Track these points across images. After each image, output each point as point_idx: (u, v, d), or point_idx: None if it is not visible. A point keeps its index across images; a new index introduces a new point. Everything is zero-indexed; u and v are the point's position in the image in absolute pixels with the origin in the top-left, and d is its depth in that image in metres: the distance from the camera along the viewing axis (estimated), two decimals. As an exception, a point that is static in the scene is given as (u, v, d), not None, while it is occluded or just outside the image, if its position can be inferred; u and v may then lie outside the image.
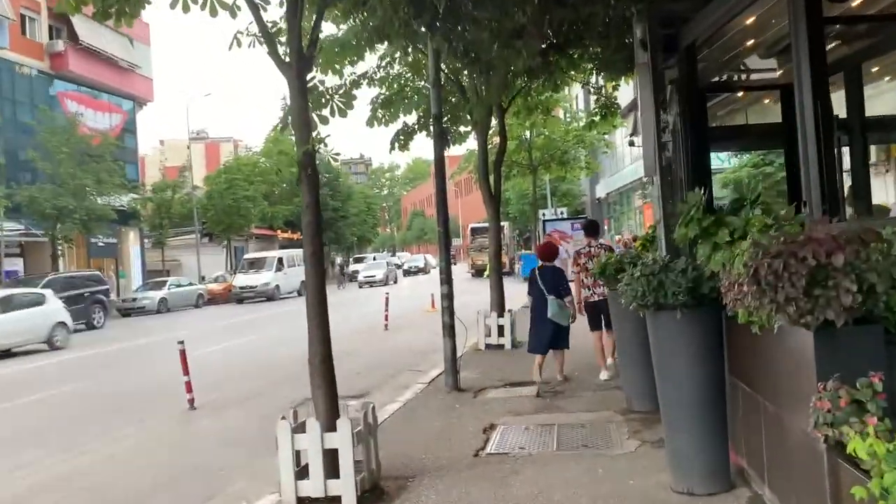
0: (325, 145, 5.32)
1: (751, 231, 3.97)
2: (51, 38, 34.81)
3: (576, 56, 10.07)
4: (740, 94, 9.37)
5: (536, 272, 8.54)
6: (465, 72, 11.24)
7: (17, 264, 31.02)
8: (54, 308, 18.94)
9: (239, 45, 5.36)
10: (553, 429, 6.63)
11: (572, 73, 13.02)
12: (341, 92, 5.58)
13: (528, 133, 20.69)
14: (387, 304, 17.51)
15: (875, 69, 7.59)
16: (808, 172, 4.80)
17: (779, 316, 3.10)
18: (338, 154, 5.55)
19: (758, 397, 4.10)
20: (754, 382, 4.18)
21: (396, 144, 13.59)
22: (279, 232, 50.38)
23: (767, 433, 4.01)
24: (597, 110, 13.62)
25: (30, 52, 33.37)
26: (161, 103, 56.03)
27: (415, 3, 5.91)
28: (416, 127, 13.23)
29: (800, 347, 3.26)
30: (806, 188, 4.91)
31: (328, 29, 11.76)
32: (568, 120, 21.77)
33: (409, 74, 12.77)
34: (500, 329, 11.94)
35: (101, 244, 36.15)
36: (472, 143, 17.17)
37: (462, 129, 14.07)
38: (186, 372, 9.39)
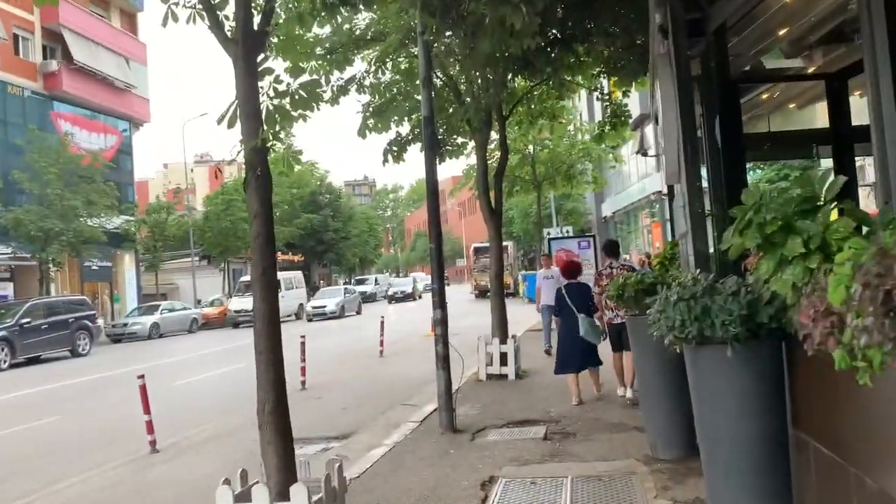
0: (282, 141, 4.29)
1: (832, 239, 2.93)
2: (45, 57, 34.10)
3: (581, 52, 9.08)
4: (765, 95, 8.36)
5: (563, 291, 8.54)
6: (459, 68, 10.23)
7: (6, 289, 30.12)
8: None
9: (175, 19, 4.35)
10: (565, 483, 5.53)
11: (579, 78, 12.07)
12: (304, 82, 4.53)
13: (531, 147, 19.70)
14: (382, 329, 16.40)
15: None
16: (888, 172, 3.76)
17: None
18: (299, 153, 4.51)
19: (847, 467, 3.01)
20: (840, 444, 3.10)
21: (389, 156, 12.59)
22: (279, 254, 49.34)
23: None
24: (606, 120, 12.59)
25: (23, 73, 32.63)
26: (165, 127, 55.40)
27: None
28: (410, 137, 12.24)
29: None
30: (883, 190, 3.88)
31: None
32: (573, 132, 20.76)
33: (400, 80, 11.78)
34: (503, 357, 10.83)
35: (94, 268, 35.23)
36: (472, 160, 16.21)
37: (460, 140, 13.09)
38: (147, 410, 8.31)
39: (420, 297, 47.59)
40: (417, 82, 8.85)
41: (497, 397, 9.40)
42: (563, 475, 5.72)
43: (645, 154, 15.23)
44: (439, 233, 7.78)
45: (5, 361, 20.77)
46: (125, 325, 30.11)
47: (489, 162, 15.73)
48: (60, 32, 33.97)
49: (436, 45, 8.98)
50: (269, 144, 4.35)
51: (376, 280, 52.17)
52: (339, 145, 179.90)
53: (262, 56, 4.38)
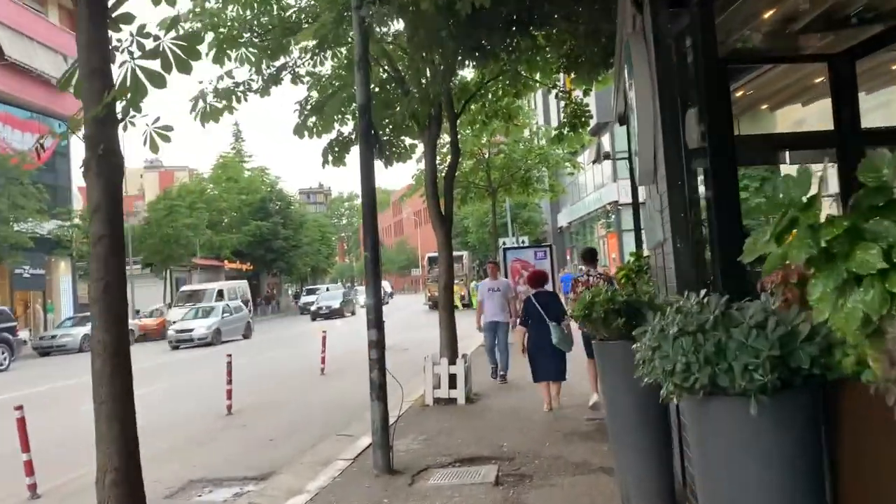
0: (140, 111, 3.14)
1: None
2: (-28, 52, 32.07)
3: (540, 39, 8.09)
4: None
5: (533, 299, 8.49)
6: (402, 53, 9.13)
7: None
8: None
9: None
10: (519, 551, 4.46)
11: (537, 75, 11.12)
12: (181, 35, 3.40)
13: (485, 152, 18.69)
14: (324, 344, 15.13)
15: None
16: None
17: None
18: (168, 129, 3.36)
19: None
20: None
21: (330, 157, 11.44)
22: (226, 262, 47.52)
23: None
24: (565, 121, 11.64)
25: (-53, 68, 30.61)
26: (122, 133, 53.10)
27: None
28: (354, 136, 11.10)
29: None
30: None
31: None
32: (529, 136, 19.83)
33: (341, 71, 10.66)
34: (452, 379, 9.73)
35: (26, 275, 33.12)
36: (424, 164, 15.09)
37: (409, 141, 12.00)
38: (26, 448, 6.99)
39: (353, 312, 40.74)
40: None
41: (444, 426, 8.30)
42: (518, 538, 4.65)
43: (607, 157, 14.32)
44: (376, 240, 6.65)
45: None
46: (53, 336, 28.16)
47: (440, 166, 14.71)
48: (-9, 27, 32.01)
49: (377, 27, 7.92)
50: (127, 117, 3.21)
51: (327, 290, 50.43)
52: (294, 152, 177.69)
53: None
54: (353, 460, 7.10)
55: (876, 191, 2.15)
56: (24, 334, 27.59)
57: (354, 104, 10.73)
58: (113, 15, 3.22)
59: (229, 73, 9.51)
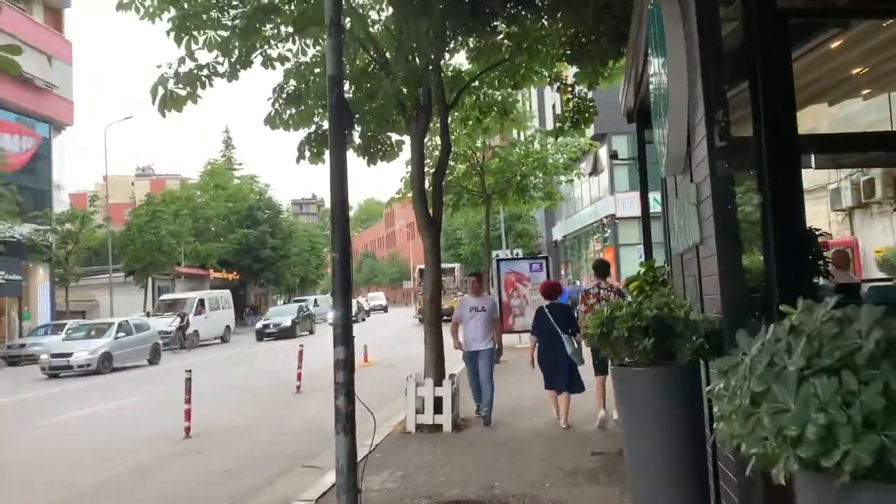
0: None
1: None
2: (-50, 49, 30.89)
3: (542, 30, 7.05)
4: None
5: (546, 311, 8.35)
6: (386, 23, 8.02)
7: None
8: None
9: None
10: None
11: (535, 65, 10.07)
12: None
13: (479, 155, 17.57)
14: (300, 360, 13.94)
15: None
16: None
17: None
18: (16, 50, 2.25)
19: None
20: None
21: (307, 152, 10.37)
22: (212, 271, 46.22)
23: None
24: (567, 115, 10.58)
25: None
26: (100, 140, 51.91)
27: None
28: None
29: None
30: None
31: None
32: (525, 141, 18.76)
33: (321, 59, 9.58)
34: (438, 403, 8.60)
35: (1, 281, 31.84)
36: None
37: (395, 137, 10.92)
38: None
39: (311, 331, 35.36)
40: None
41: (426, 459, 7.16)
42: None
43: (614, 157, 13.27)
44: (346, 239, 5.50)
45: None
46: (22, 345, 26.88)
47: (429, 167, 13.69)
48: (-30, 24, 30.86)
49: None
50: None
51: (315, 301, 49.02)
52: (289, 163, 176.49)
53: None
54: (317, 501, 5.96)
55: None
56: (-6, 343, 26.33)
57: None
58: None
59: (191, 55, 8.41)
